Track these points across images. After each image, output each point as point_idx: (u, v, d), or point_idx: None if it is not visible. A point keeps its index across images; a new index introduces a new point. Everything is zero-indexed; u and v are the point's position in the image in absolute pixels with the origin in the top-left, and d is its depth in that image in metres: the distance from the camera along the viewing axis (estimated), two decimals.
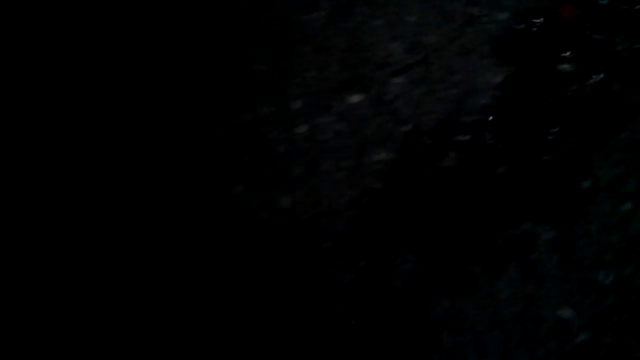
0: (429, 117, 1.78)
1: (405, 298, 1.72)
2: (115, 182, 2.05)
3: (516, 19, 1.73)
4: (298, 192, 1.86)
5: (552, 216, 1.61)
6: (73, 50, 2.19)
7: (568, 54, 1.64)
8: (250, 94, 1.91)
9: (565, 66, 1.65)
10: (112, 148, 2.08)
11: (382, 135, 1.81)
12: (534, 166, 1.64)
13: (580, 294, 1.58)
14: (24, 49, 2.19)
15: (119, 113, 2.10)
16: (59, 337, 1.71)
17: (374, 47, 1.87)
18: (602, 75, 1.61)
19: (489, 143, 1.71)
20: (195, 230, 1.93)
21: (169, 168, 1.99)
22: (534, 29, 1.68)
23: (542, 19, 1.69)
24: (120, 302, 1.87)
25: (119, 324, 1.83)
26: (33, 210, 1.97)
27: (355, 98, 1.85)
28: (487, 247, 1.65)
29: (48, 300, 1.79)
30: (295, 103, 1.89)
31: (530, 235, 1.61)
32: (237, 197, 1.90)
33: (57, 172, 2.03)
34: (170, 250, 1.95)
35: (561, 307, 1.60)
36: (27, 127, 2.09)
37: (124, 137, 2.07)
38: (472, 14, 1.85)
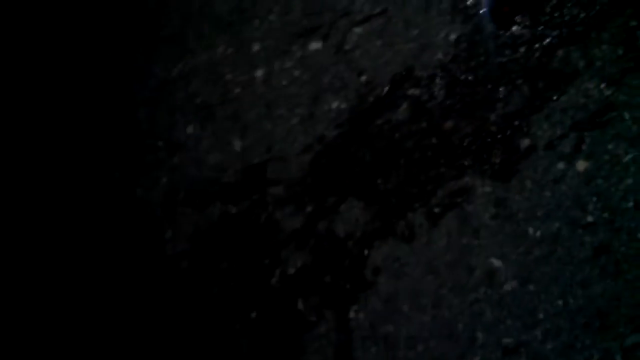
0: (386, 69, 1.78)
1: (348, 243, 1.77)
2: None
3: None
4: (251, 136, 1.85)
5: (490, 172, 1.66)
6: None
7: (521, 17, 1.67)
8: (210, 33, 1.86)
9: (517, 28, 1.68)
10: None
11: (338, 84, 1.81)
12: (479, 124, 1.69)
13: (511, 245, 1.66)
14: None
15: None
16: None
17: None
18: (549, 40, 1.65)
19: (440, 98, 1.74)
20: (144, 169, 1.90)
21: (117, 106, 1.93)
22: None
23: None
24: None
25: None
26: None
27: (315, 45, 1.83)
28: (428, 198, 1.70)
29: None
30: (254, 45, 1.86)
31: (469, 188, 1.67)
32: (189, 137, 1.88)
33: None
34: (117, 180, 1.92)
35: (492, 256, 1.68)
36: None
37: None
38: None
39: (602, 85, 1.62)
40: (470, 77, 1.72)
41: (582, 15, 1.63)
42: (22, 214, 1.98)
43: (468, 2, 1.73)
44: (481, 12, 1.70)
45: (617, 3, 1.62)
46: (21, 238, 1.96)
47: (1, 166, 1.99)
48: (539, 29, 1.68)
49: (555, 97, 1.66)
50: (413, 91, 1.76)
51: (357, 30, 1.82)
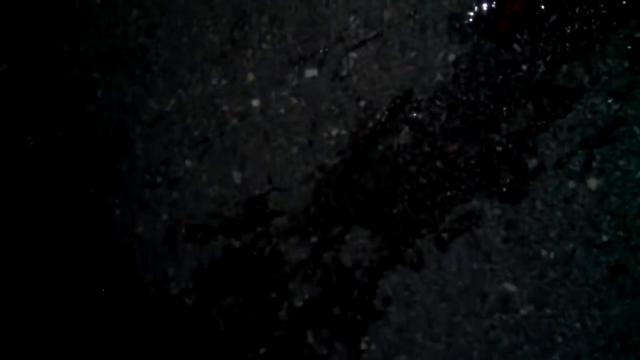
0: (384, 94, 1.70)
1: (356, 274, 1.68)
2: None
3: None
4: (251, 167, 1.76)
5: (499, 194, 1.57)
6: None
7: (520, 34, 1.58)
8: (202, 64, 1.78)
9: (518, 46, 1.60)
10: None
11: (336, 110, 1.73)
12: (484, 145, 1.60)
13: (524, 268, 1.57)
14: None
15: None
16: None
17: (330, 20, 1.77)
18: (551, 56, 1.57)
19: (442, 121, 1.65)
20: (142, 203, 1.82)
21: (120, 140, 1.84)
22: (491, 6, 1.61)
23: None
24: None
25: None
26: None
27: (311, 72, 1.75)
28: (436, 223, 1.61)
29: None
30: (249, 75, 1.78)
31: (477, 211, 1.58)
32: (187, 171, 1.79)
33: None
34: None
35: (506, 281, 1.59)
36: None
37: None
38: None
39: (610, 100, 1.53)
40: (472, 98, 1.63)
41: (584, 28, 1.55)
42: (25, 251, 1.89)
43: (465, 22, 1.65)
44: (479, 30, 1.62)
45: (620, 15, 1.53)
46: (25, 276, 1.88)
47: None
48: (540, 45, 1.59)
49: (561, 115, 1.57)
50: (414, 115, 1.67)
51: (353, 55, 1.74)
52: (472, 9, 1.62)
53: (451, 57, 1.65)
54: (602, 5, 1.55)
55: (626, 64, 1.53)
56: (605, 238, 1.53)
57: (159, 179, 1.83)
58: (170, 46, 1.81)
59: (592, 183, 1.54)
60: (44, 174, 1.91)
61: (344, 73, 1.73)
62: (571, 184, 1.55)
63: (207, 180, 1.80)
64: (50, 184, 1.90)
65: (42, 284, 1.86)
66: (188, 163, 1.81)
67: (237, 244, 1.76)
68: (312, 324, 1.70)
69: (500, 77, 1.61)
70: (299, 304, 1.71)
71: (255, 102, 1.77)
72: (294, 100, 1.75)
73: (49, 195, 1.90)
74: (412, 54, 1.69)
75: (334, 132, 1.73)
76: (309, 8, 1.77)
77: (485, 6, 1.61)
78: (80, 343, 1.84)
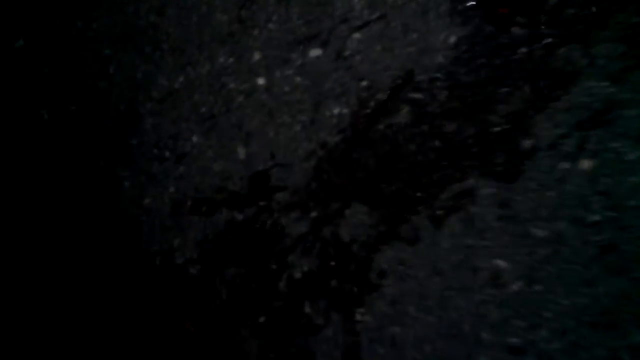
0: (386, 74, 1.72)
1: (353, 248, 1.72)
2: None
3: None
4: (255, 144, 1.80)
5: (494, 173, 1.60)
6: None
7: (520, 17, 1.59)
8: (210, 43, 1.81)
9: (517, 29, 1.61)
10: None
11: (339, 90, 1.75)
12: (481, 125, 1.62)
13: (516, 246, 1.60)
14: None
15: None
16: None
17: (335, 1, 1.78)
18: (550, 40, 1.58)
19: (441, 101, 1.67)
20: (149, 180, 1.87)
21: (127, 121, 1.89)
22: None
23: None
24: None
25: None
26: None
27: (315, 52, 1.77)
28: (432, 200, 1.64)
29: None
30: (255, 55, 1.80)
31: (472, 190, 1.61)
32: (194, 146, 1.84)
33: None
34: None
35: (497, 257, 1.62)
36: None
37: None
38: None
39: (605, 84, 1.54)
40: (471, 79, 1.65)
41: (582, 13, 1.55)
42: (31, 223, 1.95)
43: (467, 4, 1.66)
44: (480, 13, 1.63)
45: (619, 0, 1.54)
46: (31, 249, 1.94)
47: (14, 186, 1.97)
48: (540, 28, 1.60)
49: (557, 97, 1.58)
50: (414, 95, 1.70)
51: (356, 35, 1.76)
52: None
53: (452, 39, 1.67)
54: None
55: (623, 49, 1.53)
56: (596, 218, 1.55)
57: (167, 153, 1.88)
58: (179, 25, 1.85)
59: (585, 164, 1.56)
60: (57, 147, 1.97)
61: (347, 53, 1.75)
62: (564, 165, 1.57)
63: (213, 155, 1.84)
64: (63, 157, 1.95)
65: (53, 254, 1.92)
66: (195, 138, 1.85)
67: (240, 217, 1.81)
68: (310, 295, 1.74)
69: (498, 59, 1.63)
70: (298, 275, 1.75)
71: (260, 81, 1.80)
72: (298, 79, 1.78)
73: (61, 167, 1.96)
74: (414, 36, 1.71)
75: (336, 111, 1.76)
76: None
77: None
78: (88, 312, 1.90)
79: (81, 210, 1.93)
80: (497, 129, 1.61)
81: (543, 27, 1.60)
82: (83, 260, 1.92)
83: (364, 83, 1.74)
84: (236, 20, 1.80)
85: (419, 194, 1.66)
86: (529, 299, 1.58)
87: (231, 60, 1.81)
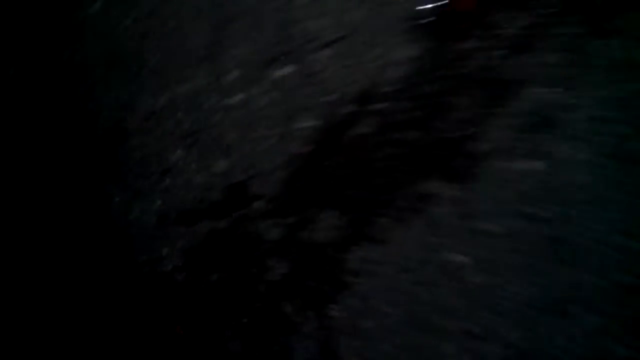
0: (353, 88, 1.85)
1: (327, 250, 1.83)
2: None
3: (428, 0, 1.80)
4: (234, 157, 1.92)
5: (453, 176, 1.72)
6: None
7: (470, 32, 1.72)
8: (189, 65, 1.93)
9: (473, 41, 1.74)
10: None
11: (309, 103, 1.88)
12: (440, 131, 1.74)
13: (476, 242, 1.71)
14: None
15: None
16: None
17: (304, 22, 1.92)
18: (502, 51, 1.70)
19: (405, 110, 1.80)
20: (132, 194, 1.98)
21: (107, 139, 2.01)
22: (444, 9, 1.76)
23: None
24: None
25: None
26: None
27: (287, 70, 1.90)
28: (398, 203, 1.76)
29: None
30: (231, 74, 1.93)
31: (434, 192, 1.72)
32: (178, 161, 1.96)
33: None
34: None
35: (460, 254, 1.73)
36: None
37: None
38: None
39: (553, 89, 1.67)
40: (431, 90, 1.78)
41: (532, 24, 1.69)
42: (26, 236, 2.06)
43: (427, 20, 1.80)
44: (437, 28, 1.77)
45: (565, 12, 1.67)
46: (26, 259, 2.04)
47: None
48: (493, 41, 1.74)
49: (509, 104, 1.71)
50: (379, 106, 1.82)
51: (325, 52, 1.89)
52: (431, 9, 1.77)
53: (414, 53, 1.80)
54: (546, 5, 1.70)
55: (569, 57, 1.67)
56: (547, 214, 1.67)
57: (152, 168, 2.00)
58: (161, 49, 1.98)
59: (536, 165, 1.68)
60: (50, 165, 2.09)
61: (316, 69, 1.88)
62: (518, 166, 1.69)
63: (196, 168, 1.96)
64: (56, 175, 2.07)
65: (47, 267, 2.03)
66: (178, 154, 1.98)
67: (221, 225, 1.92)
68: (288, 296, 1.85)
69: (456, 70, 1.76)
70: (276, 278, 1.86)
71: (237, 97, 1.93)
72: (273, 95, 1.91)
73: (55, 185, 2.08)
74: (379, 51, 1.84)
75: (307, 124, 1.88)
76: (285, 12, 1.92)
77: (442, 5, 1.76)
78: (81, 319, 2.01)
79: (74, 225, 2.04)
80: (454, 134, 1.74)
81: (496, 38, 1.74)
82: (76, 271, 2.03)
83: (333, 96, 1.87)
84: (211, 44, 1.93)
85: (386, 198, 1.78)
86: (489, 291, 1.70)
87: (209, 79, 1.93)
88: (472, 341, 1.66)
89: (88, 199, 2.05)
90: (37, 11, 2.14)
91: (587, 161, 1.64)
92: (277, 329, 1.82)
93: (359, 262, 1.78)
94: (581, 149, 1.66)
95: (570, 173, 1.67)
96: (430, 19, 1.78)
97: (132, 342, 1.92)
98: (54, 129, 2.11)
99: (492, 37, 1.73)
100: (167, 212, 1.96)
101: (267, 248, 1.87)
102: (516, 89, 1.72)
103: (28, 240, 2.04)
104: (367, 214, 1.80)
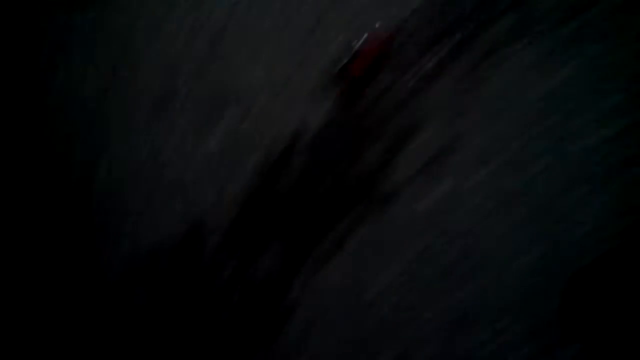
0: (277, 144, 2.11)
1: (272, 278, 2.10)
2: None
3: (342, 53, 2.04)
4: (190, 197, 2.21)
5: (363, 215, 1.95)
6: None
7: (371, 87, 1.96)
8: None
9: (373, 91, 1.97)
10: None
11: (251, 143, 2.17)
12: (352, 175, 1.98)
13: (393, 265, 1.95)
14: None
15: None
16: None
17: (238, 79, 2.18)
18: (401, 96, 1.92)
19: (322, 160, 2.04)
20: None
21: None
22: (355, 59, 1.99)
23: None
24: None
25: None
26: None
27: (231, 119, 2.18)
28: (322, 240, 2.01)
29: None
30: (179, 125, 2.23)
31: (350, 229, 1.97)
32: (142, 205, 2.26)
33: None
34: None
35: (383, 276, 1.97)
36: None
37: None
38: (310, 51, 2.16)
39: (447, 125, 1.87)
40: (343, 137, 2.01)
41: (414, 80, 1.89)
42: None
43: (331, 81, 2.04)
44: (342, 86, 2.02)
45: (454, 54, 1.86)
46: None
47: None
48: (390, 87, 1.94)
49: (409, 143, 1.91)
50: (300, 158, 2.09)
51: (259, 100, 2.16)
52: (335, 72, 2.01)
53: (326, 107, 2.04)
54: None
55: (453, 100, 1.85)
56: (450, 236, 1.88)
57: (118, 216, 2.31)
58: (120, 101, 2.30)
59: (438, 193, 1.90)
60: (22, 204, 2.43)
61: (253, 116, 2.16)
62: (421, 206, 1.91)
63: (158, 213, 2.25)
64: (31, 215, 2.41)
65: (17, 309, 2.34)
66: (141, 200, 2.27)
67: (182, 260, 2.22)
68: (242, 324, 2.14)
69: (360, 120, 1.99)
70: (232, 307, 2.15)
71: (189, 145, 2.22)
72: (221, 138, 2.19)
73: (28, 225, 2.41)
74: (298, 105, 2.09)
75: (250, 163, 2.16)
76: (218, 76, 2.19)
77: (344, 68, 1.99)
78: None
79: (49, 266, 2.37)
80: (364, 177, 1.97)
81: (392, 86, 1.93)
82: (49, 308, 2.34)
83: (267, 141, 2.13)
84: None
85: (311, 238, 2.04)
86: (409, 306, 1.93)
87: (163, 132, 2.23)
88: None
89: (63, 243, 2.36)
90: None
91: (476, 187, 1.84)
92: (232, 356, 2.12)
93: (301, 288, 2.05)
94: (474, 172, 1.86)
95: (467, 197, 1.87)
96: (337, 77, 2.03)
97: None
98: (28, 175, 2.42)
99: (392, 84, 1.93)
100: (134, 252, 2.28)
101: (223, 281, 2.16)
102: (415, 129, 1.94)
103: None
104: (307, 242, 2.06)
